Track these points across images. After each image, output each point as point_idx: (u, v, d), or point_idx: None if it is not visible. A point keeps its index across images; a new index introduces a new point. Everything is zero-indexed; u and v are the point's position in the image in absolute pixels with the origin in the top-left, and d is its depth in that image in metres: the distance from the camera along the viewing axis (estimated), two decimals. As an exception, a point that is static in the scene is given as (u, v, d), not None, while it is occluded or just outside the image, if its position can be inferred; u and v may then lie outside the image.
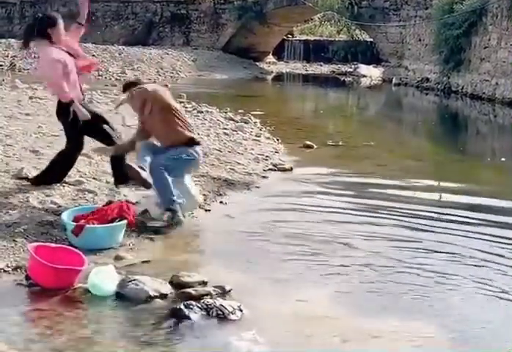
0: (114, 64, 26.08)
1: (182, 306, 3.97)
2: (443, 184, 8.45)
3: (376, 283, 4.70)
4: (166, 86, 21.74)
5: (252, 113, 13.50)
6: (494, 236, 5.84)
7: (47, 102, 11.94)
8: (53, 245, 4.71)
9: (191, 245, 5.52)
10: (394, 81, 25.53)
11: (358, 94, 25.05)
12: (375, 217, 6.43)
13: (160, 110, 5.74)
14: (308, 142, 10.41)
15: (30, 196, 5.81)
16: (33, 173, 6.31)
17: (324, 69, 33.20)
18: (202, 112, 12.90)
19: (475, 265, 5.13)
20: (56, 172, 6.20)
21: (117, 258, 4.87)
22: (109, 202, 5.64)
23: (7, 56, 26.49)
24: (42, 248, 4.48)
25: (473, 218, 6.46)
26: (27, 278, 4.37)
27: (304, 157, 9.73)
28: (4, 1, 36.11)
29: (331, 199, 7.14)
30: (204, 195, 6.56)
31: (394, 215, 6.53)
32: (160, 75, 25.42)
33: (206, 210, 6.28)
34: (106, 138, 6.20)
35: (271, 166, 8.61)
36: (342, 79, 29.19)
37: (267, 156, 9.19)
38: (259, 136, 10.74)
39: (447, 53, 20.90)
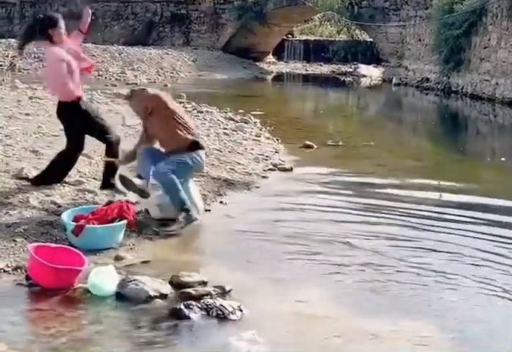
0: (114, 64, 26.07)
1: (182, 306, 3.97)
2: (443, 184, 8.45)
3: (376, 283, 4.70)
4: (166, 86, 21.83)
5: (252, 113, 13.50)
6: (494, 235, 5.85)
7: (47, 102, 11.95)
8: (53, 245, 4.71)
9: (191, 245, 5.52)
10: (394, 81, 25.53)
11: (358, 94, 25.05)
12: (375, 217, 6.44)
13: (162, 115, 5.73)
14: (308, 142, 10.42)
15: (30, 196, 5.81)
16: (33, 173, 6.31)
17: (324, 69, 33.19)
18: (202, 112, 12.90)
19: (475, 265, 5.14)
20: (56, 172, 6.20)
21: (117, 258, 4.87)
22: (109, 202, 5.64)
23: (7, 56, 26.50)
24: (42, 249, 4.48)
25: (473, 218, 6.47)
26: (27, 278, 4.37)
27: (304, 157, 9.73)
28: (4, 1, 36.11)
29: (331, 199, 7.14)
30: (204, 195, 6.56)
31: (394, 214, 6.53)
32: (160, 75, 25.42)
33: (206, 210, 6.28)
34: (104, 137, 6.17)
35: (271, 166, 8.61)
36: (342, 79, 29.19)
37: (267, 156, 9.19)
38: (259, 136, 10.74)
39: (447, 53, 20.91)
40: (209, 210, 6.32)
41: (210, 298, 4.14)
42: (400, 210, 6.71)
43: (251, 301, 4.19)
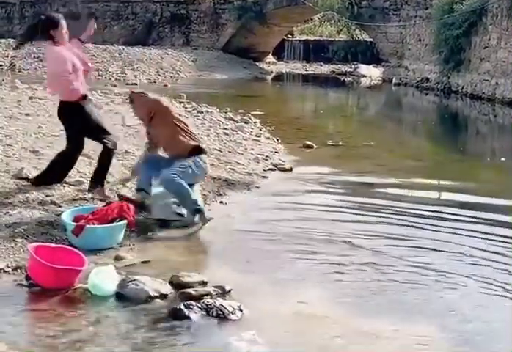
0: (114, 65, 26.07)
1: (182, 306, 3.97)
2: (443, 183, 8.47)
3: (376, 282, 4.70)
4: (166, 86, 21.83)
5: (252, 113, 13.51)
6: (494, 235, 5.86)
7: (47, 102, 11.95)
8: (53, 245, 4.71)
9: (191, 245, 5.51)
10: (394, 81, 25.53)
11: (358, 94, 25.05)
12: (376, 216, 6.45)
13: (164, 120, 5.73)
14: (308, 142, 10.42)
15: (30, 196, 5.81)
16: (33, 173, 6.31)
17: (324, 69, 33.20)
18: (202, 112, 12.90)
19: (476, 264, 5.14)
20: (56, 172, 6.19)
21: (117, 258, 4.88)
22: (109, 202, 5.64)
23: (7, 56, 26.49)
24: (42, 249, 4.48)
25: (473, 217, 6.48)
26: (27, 278, 4.37)
27: (304, 157, 9.73)
28: (4, 1, 36.12)
29: (331, 199, 7.14)
30: (204, 195, 6.56)
31: (394, 214, 6.54)
32: (160, 75, 25.42)
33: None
34: (102, 140, 6.15)
35: (271, 166, 8.62)
36: (342, 79, 29.19)
37: (267, 156, 9.20)
38: (259, 136, 10.74)
39: (447, 53, 20.91)
40: (209, 210, 6.31)
41: (210, 298, 4.14)
42: (400, 209, 6.72)
43: (251, 301, 4.20)
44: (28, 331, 3.80)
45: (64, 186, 6.17)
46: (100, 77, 23.13)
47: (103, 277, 4.28)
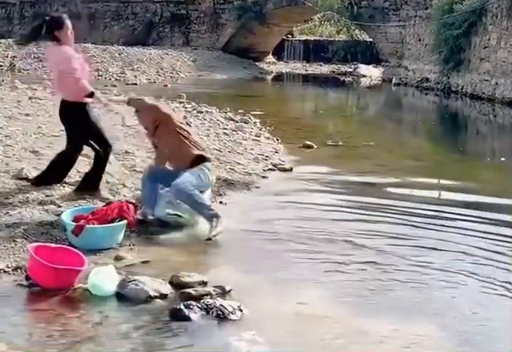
0: (114, 65, 26.08)
1: (182, 307, 3.97)
2: (442, 183, 8.47)
3: (376, 282, 4.70)
4: (166, 86, 21.83)
5: (252, 113, 13.51)
6: (495, 234, 5.87)
7: (46, 102, 11.97)
8: (53, 245, 4.71)
9: (191, 245, 5.51)
10: (394, 80, 25.54)
11: (358, 94, 25.06)
12: (376, 216, 6.45)
13: (168, 129, 5.70)
14: (308, 142, 10.42)
15: (30, 196, 5.81)
16: (33, 173, 6.31)
17: (324, 69, 33.21)
18: (202, 112, 12.91)
19: (476, 263, 5.14)
20: (56, 173, 6.19)
21: (117, 258, 4.87)
22: (109, 203, 5.64)
23: (7, 57, 26.50)
24: (42, 249, 4.48)
25: (474, 217, 6.49)
26: (27, 278, 4.37)
27: (304, 157, 9.73)
28: (4, 1, 36.13)
29: (330, 199, 7.14)
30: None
31: (394, 213, 6.54)
32: (160, 76, 25.43)
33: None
34: (103, 144, 6.13)
35: (270, 166, 8.62)
36: (342, 79, 29.21)
37: (267, 156, 9.20)
38: (259, 136, 10.74)
39: (447, 53, 20.91)
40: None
41: (210, 298, 4.14)
42: (401, 209, 6.73)
43: (251, 301, 4.19)
44: (28, 331, 3.80)
45: (64, 186, 6.17)
46: (100, 77, 23.13)
47: (102, 277, 4.28)
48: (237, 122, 12.04)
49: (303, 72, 32.01)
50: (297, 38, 37.13)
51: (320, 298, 4.37)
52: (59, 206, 5.68)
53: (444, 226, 6.14)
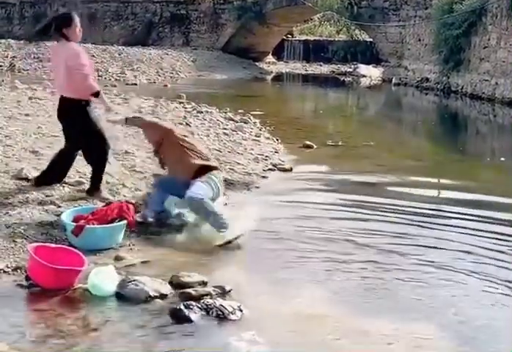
0: (114, 65, 26.08)
1: (182, 307, 3.97)
2: (442, 183, 8.48)
3: (377, 282, 4.70)
4: (166, 86, 21.83)
5: (252, 113, 13.51)
6: (496, 233, 5.88)
7: (46, 102, 11.96)
8: (52, 245, 4.71)
9: (191, 245, 5.50)
10: (393, 80, 25.54)
11: (358, 94, 25.06)
12: (377, 215, 6.47)
13: (170, 145, 5.69)
14: (308, 142, 10.42)
15: (30, 196, 5.81)
16: (33, 173, 6.30)
17: (324, 69, 33.23)
18: (202, 112, 12.90)
19: (477, 262, 5.15)
20: (56, 172, 6.19)
21: (117, 258, 4.87)
22: (109, 203, 5.64)
23: (7, 57, 26.50)
24: (41, 249, 4.48)
25: (474, 216, 6.50)
26: (27, 278, 4.37)
27: (304, 157, 9.73)
28: (4, 1, 36.13)
29: (331, 198, 7.15)
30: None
31: (395, 212, 6.55)
32: (159, 76, 25.43)
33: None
34: (102, 144, 6.11)
35: (270, 166, 8.62)
36: (341, 79, 29.22)
37: (267, 156, 9.20)
38: (258, 136, 10.74)
39: (447, 53, 20.92)
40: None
41: (210, 298, 4.14)
42: (401, 208, 6.74)
43: (251, 301, 4.19)
44: (28, 331, 3.80)
45: (63, 186, 6.16)
46: (99, 77, 23.11)
47: (102, 277, 4.28)
48: (237, 122, 12.04)
49: (303, 73, 32.02)
50: (297, 38, 37.16)
51: (320, 298, 4.37)
52: (59, 206, 5.67)
53: (444, 225, 6.15)
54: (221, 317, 3.95)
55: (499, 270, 4.99)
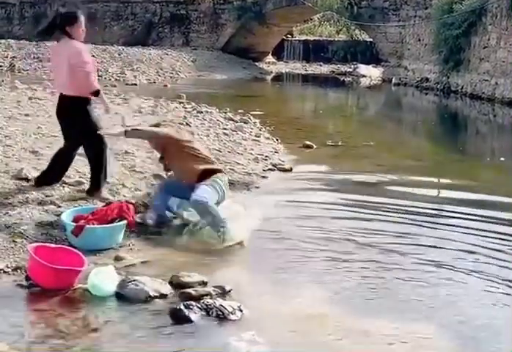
0: (114, 65, 26.08)
1: (182, 307, 3.96)
2: (442, 182, 8.48)
3: (377, 281, 4.70)
4: (166, 86, 21.83)
5: (252, 113, 13.51)
6: (496, 232, 5.88)
7: (46, 102, 11.95)
8: (52, 245, 4.71)
9: (191, 245, 5.50)
10: (393, 80, 25.55)
11: (357, 94, 25.06)
12: (377, 214, 6.47)
13: (173, 150, 5.70)
14: (308, 142, 10.42)
15: (30, 196, 5.80)
16: (33, 173, 6.30)
17: (324, 69, 33.23)
18: (202, 112, 12.90)
19: (478, 262, 5.15)
20: (56, 172, 6.19)
21: (117, 258, 4.87)
22: (109, 203, 5.64)
23: (7, 57, 26.50)
24: (41, 249, 4.48)
25: (474, 215, 6.52)
26: (27, 278, 4.37)
27: (304, 157, 9.73)
28: (4, 1, 36.13)
29: (330, 198, 7.15)
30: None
31: (395, 212, 6.56)
32: (159, 76, 25.43)
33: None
34: (101, 144, 6.10)
35: (270, 166, 8.61)
36: (341, 79, 29.22)
37: (266, 156, 9.19)
38: (258, 136, 10.74)
39: (447, 53, 20.92)
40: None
41: (210, 299, 4.14)
42: (402, 208, 6.75)
43: (251, 301, 4.19)
44: (28, 332, 3.80)
45: (63, 186, 6.16)
46: (99, 77, 23.07)
47: (102, 277, 4.28)
48: (237, 122, 12.03)
49: (303, 73, 32.02)
50: (297, 38, 37.16)
51: (321, 297, 4.37)
52: (59, 206, 5.67)
53: (444, 224, 6.15)
54: (221, 317, 3.94)
55: (499, 269, 4.99)
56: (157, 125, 6.04)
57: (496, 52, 18.68)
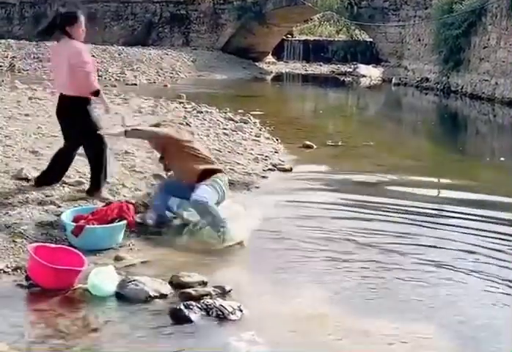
0: (114, 65, 26.08)
1: (182, 307, 3.97)
2: (442, 182, 8.48)
3: (377, 281, 4.70)
4: (166, 86, 21.83)
5: (252, 113, 13.51)
6: (496, 232, 5.88)
7: (46, 102, 11.95)
8: (52, 245, 4.71)
9: (191, 245, 5.50)
10: (393, 80, 25.55)
11: (357, 94, 25.06)
12: (377, 214, 6.47)
13: (172, 150, 5.70)
14: (308, 142, 10.42)
15: (30, 196, 5.80)
16: (33, 173, 6.30)
17: (324, 69, 33.23)
18: (202, 112, 12.90)
19: (478, 262, 5.15)
20: (56, 172, 6.19)
21: (117, 258, 4.87)
22: (109, 203, 5.64)
23: (7, 57, 26.50)
24: (41, 249, 4.48)
25: (474, 215, 6.52)
26: (27, 278, 4.37)
27: (304, 157, 9.73)
28: (4, 1, 36.13)
29: (330, 198, 7.14)
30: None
31: (395, 212, 6.56)
32: (159, 76, 25.43)
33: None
34: (100, 144, 6.10)
35: (270, 166, 8.61)
36: (341, 79, 29.22)
37: (266, 156, 9.19)
38: (258, 136, 10.74)
39: (447, 53, 20.92)
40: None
41: (210, 299, 4.14)
42: (402, 207, 6.75)
43: (251, 301, 4.19)
44: (28, 331, 3.80)
45: (63, 186, 6.16)
46: (99, 77, 23.07)
47: (102, 277, 4.28)
48: (236, 122, 12.03)
49: (302, 73, 32.03)
50: (297, 38, 37.17)
51: (321, 297, 4.37)
52: (59, 206, 5.67)
53: (444, 224, 6.15)
54: (221, 317, 3.95)
55: (499, 269, 4.99)
56: (157, 125, 6.03)
57: (496, 52, 18.69)
